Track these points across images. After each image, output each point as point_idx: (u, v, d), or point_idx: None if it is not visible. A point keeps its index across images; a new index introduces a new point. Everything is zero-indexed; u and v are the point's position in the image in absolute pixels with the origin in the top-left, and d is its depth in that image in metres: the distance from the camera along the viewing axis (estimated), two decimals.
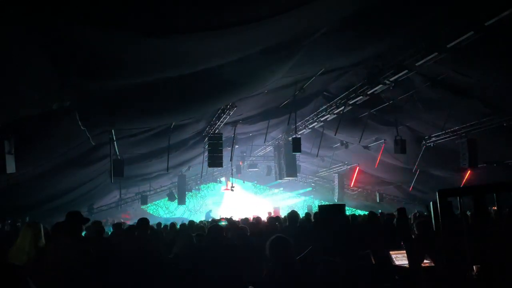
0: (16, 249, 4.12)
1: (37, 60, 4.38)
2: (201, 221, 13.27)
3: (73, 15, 3.70)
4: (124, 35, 4.34)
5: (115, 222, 9.11)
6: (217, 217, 18.17)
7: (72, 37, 4.13)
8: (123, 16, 3.97)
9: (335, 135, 14.05)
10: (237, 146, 17.01)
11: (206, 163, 14.55)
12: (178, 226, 9.59)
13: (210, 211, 23.91)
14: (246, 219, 10.51)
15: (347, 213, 12.78)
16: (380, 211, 12.68)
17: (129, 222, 14.71)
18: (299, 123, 14.39)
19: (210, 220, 13.96)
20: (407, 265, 5.60)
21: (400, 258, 5.85)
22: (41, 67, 4.53)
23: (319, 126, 14.15)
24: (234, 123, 13.40)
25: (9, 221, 11.57)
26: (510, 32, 6.70)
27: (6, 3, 3.29)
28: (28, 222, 4.45)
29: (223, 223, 8.97)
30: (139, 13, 3.99)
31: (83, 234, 5.95)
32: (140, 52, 4.90)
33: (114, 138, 9.16)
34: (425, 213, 10.40)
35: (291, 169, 18.62)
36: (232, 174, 19.87)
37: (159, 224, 11.07)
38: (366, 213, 9.51)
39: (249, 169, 23.83)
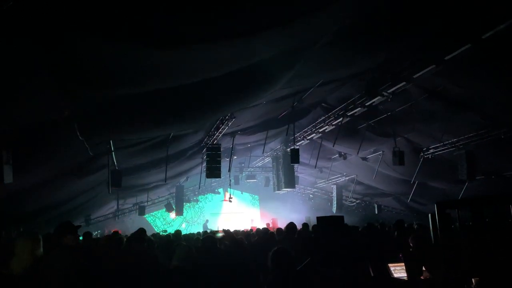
0: (15, 259, 4.11)
1: (37, 70, 4.39)
2: (198, 232, 13.19)
3: (73, 25, 3.73)
4: (125, 46, 4.36)
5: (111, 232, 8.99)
6: (215, 228, 18.06)
7: (72, 47, 4.15)
8: (123, 27, 4.00)
9: (333, 146, 14.09)
10: (235, 157, 17.00)
11: (204, 174, 14.52)
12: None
13: (207, 221, 23.81)
14: (241, 231, 10.46)
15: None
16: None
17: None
18: (298, 134, 14.43)
19: (208, 231, 13.87)
20: (405, 278, 5.57)
21: (398, 271, 5.81)
22: (41, 77, 4.54)
23: (318, 137, 14.17)
24: (232, 134, 13.41)
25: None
26: (506, 44, 6.77)
27: (8, 13, 3.31)
28: (26, 232, 4.44)
29: (220, 234, 8.92)
30: (140, 23, 4.02)
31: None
32: (140, 62, 4.92)
33: (112, 149, 9.15)
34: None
35: (290, 180, 18.62)
36: (230, 185, 19.83)
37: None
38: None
39: (247, 180, 23.76)
